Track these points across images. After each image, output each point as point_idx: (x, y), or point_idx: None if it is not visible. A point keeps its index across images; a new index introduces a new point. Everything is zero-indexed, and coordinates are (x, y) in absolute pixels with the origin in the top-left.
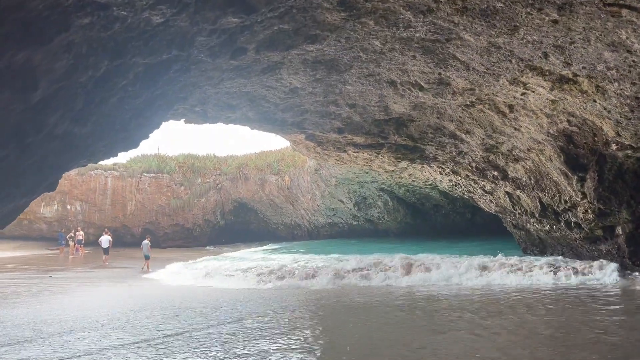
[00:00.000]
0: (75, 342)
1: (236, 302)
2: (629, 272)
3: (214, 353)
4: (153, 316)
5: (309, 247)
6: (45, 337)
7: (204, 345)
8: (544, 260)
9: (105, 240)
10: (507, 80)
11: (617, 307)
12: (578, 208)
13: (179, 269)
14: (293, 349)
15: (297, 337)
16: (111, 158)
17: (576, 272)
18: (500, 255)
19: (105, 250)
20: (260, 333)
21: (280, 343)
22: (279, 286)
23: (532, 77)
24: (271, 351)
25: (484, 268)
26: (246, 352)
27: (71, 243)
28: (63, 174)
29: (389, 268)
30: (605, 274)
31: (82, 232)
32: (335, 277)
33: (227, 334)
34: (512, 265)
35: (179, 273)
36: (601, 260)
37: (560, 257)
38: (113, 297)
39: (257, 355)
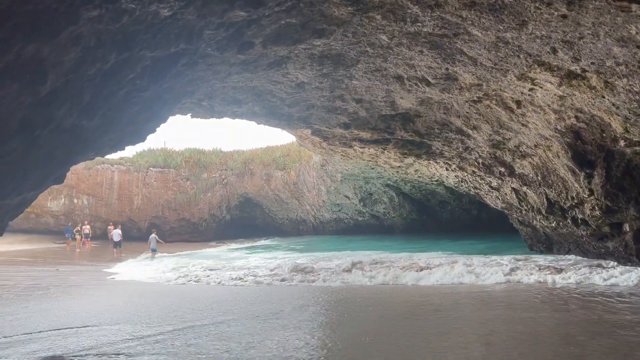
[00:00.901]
0: None
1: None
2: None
3: None
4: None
5: (307, 243)
6: None
7: None
8: None
9: (116, 234)
10: (515, 76)
11: None
12: (585, 205)
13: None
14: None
15: None
16: (118, 152)
17: None
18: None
19: (117, 244)
20: None
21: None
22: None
23: (540, 72)
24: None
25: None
26: None
27: (78, 237)
28: (70, 168)
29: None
30: None
31: (88, 226)
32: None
33: None
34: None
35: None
36: None
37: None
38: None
39: None
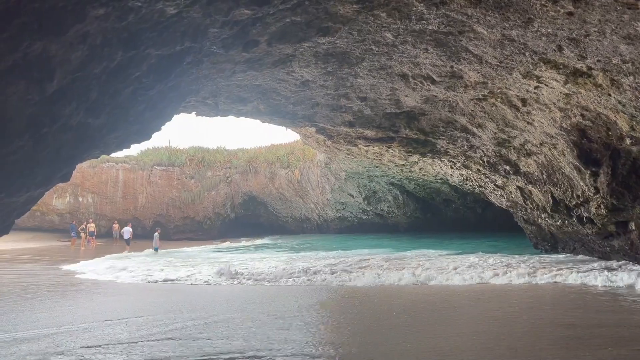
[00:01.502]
0: None
1: None
2: None
3: None
4: None
5: (305, 243)
6: None
7: None
8: None
9: (127, 231)
10: (521, 74)
11: None
12: (591, 203)
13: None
14: None
15: None
16: (123, 150)
17: None
18: None
19: (127, 241)
20: None
21: None
22: None
23: (545, 70)
24: None
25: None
26: None
27: (82, 235)
28: (76, 166)
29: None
30: None
31: (93, 224)
32: None
33: None
34: None
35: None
36: None
37: None
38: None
39: None
